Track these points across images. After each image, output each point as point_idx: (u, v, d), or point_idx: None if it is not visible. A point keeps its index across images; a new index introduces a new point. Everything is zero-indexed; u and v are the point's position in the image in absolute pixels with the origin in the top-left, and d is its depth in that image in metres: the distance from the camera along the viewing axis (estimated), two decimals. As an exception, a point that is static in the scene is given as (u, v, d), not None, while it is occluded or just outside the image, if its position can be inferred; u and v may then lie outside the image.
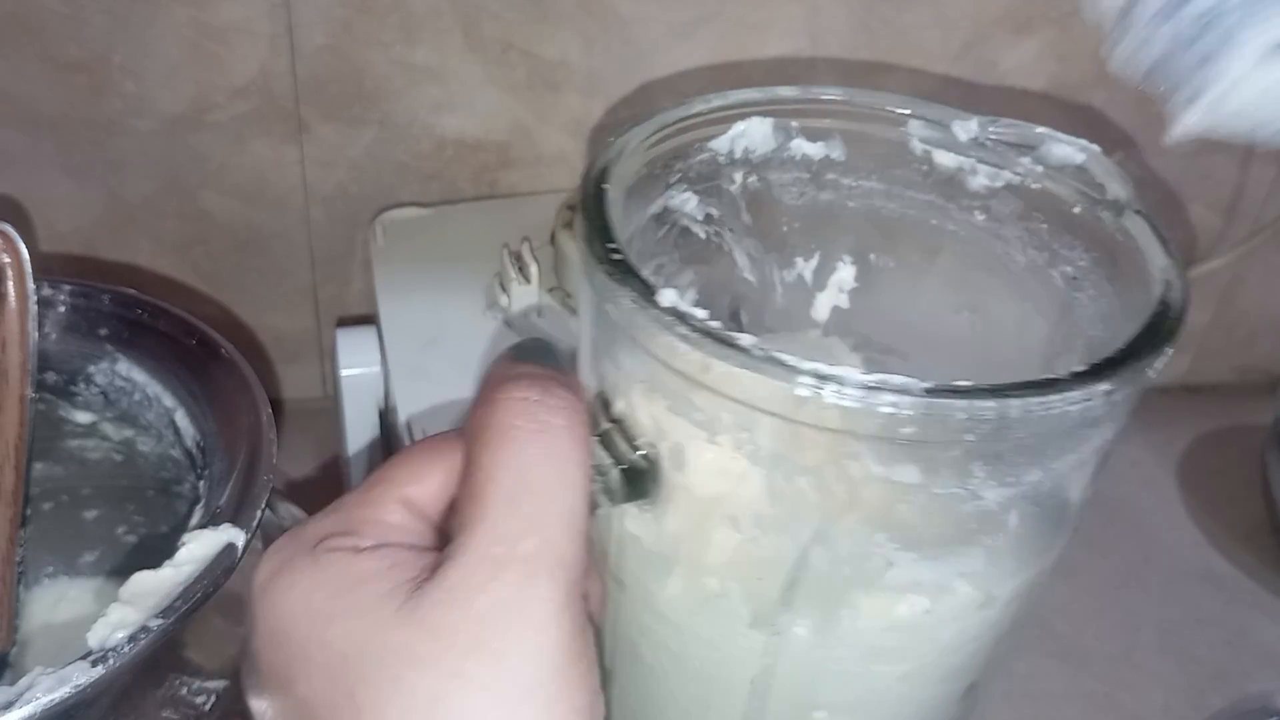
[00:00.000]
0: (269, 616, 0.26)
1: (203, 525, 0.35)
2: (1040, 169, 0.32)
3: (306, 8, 0.54)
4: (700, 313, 0.25)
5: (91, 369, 0.42)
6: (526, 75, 0.58)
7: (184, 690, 0.36)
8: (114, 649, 0.30)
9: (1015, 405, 0.24)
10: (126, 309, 0.43)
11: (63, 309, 0.42)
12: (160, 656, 0.34)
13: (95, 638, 0.31)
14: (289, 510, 0.46)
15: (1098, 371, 0.25)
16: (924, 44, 0.60)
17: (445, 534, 0.28)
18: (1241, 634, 0.58)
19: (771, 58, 0.59)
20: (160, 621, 0.31)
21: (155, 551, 0.34)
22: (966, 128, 0.33)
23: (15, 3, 0.52)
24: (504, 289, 0.52)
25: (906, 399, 0.24)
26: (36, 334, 0.40)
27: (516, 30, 0.57)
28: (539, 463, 0.26)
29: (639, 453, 0.29)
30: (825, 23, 0.59)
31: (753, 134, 0.33)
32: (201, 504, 0.38)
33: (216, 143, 0.58)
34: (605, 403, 0.29)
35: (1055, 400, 0.24)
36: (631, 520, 0.30)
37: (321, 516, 0.28)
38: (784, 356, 0.24)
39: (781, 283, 0.37)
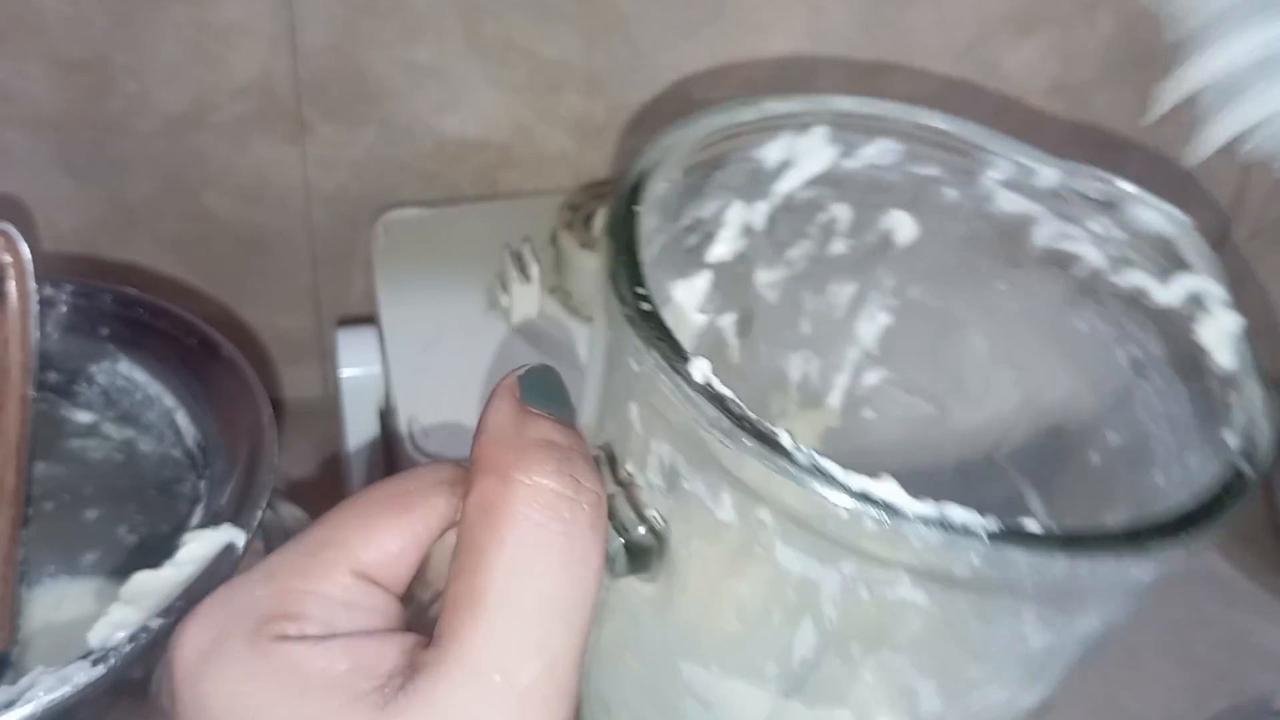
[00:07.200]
0: (195, 710, 0.22)
1: (203, 525, 0.35)
2: (1120, 234, 0.28)
3: (308, 7, 0.54)
4: (734, 396, 0.22)
5: (93, 368, 0.42)
6: (528, 75, 0.58)
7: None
8: (114, 648, 0.30)
9: (1085, 566, 0.21)
10: (128, 309, 0.43)
11: (64, 309, 0.42)
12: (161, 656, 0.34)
13: (96, 637, 0.31)
14: (289, 510, 0.46)
15: (1177, 529, 0.22)
16: (926, 45, 0.60)
17: (410, 608, 0.24)
18: (1242, 635, 0.58)
19: (773, 58, 0.59)
20: (161, 621, 0.31)
21: (156, 551, 0.34)
22: (1050, 175, 0.28)
23: (17, 3, 0.52)
24: (505, 289, 0.52)
25: (964, 541, 0.20)
26: (38, 333, 0.40)
27: (518, 30, 0.57)
28: (555, 571, 0.22)
29: (645, 525, 0.25)
30: (827, 23, 0.59)
31: (804, 147, 0.29)
32: (202, 504, 0.38)
33: (218, 143, 0.58)
34: (611, 459, 0.25)
35: (1130, 563, 0.21)
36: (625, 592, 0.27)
37: (257, 583, 0.23)
38: (831, 468, 0.21)
39: (809, 306, 0.33)
